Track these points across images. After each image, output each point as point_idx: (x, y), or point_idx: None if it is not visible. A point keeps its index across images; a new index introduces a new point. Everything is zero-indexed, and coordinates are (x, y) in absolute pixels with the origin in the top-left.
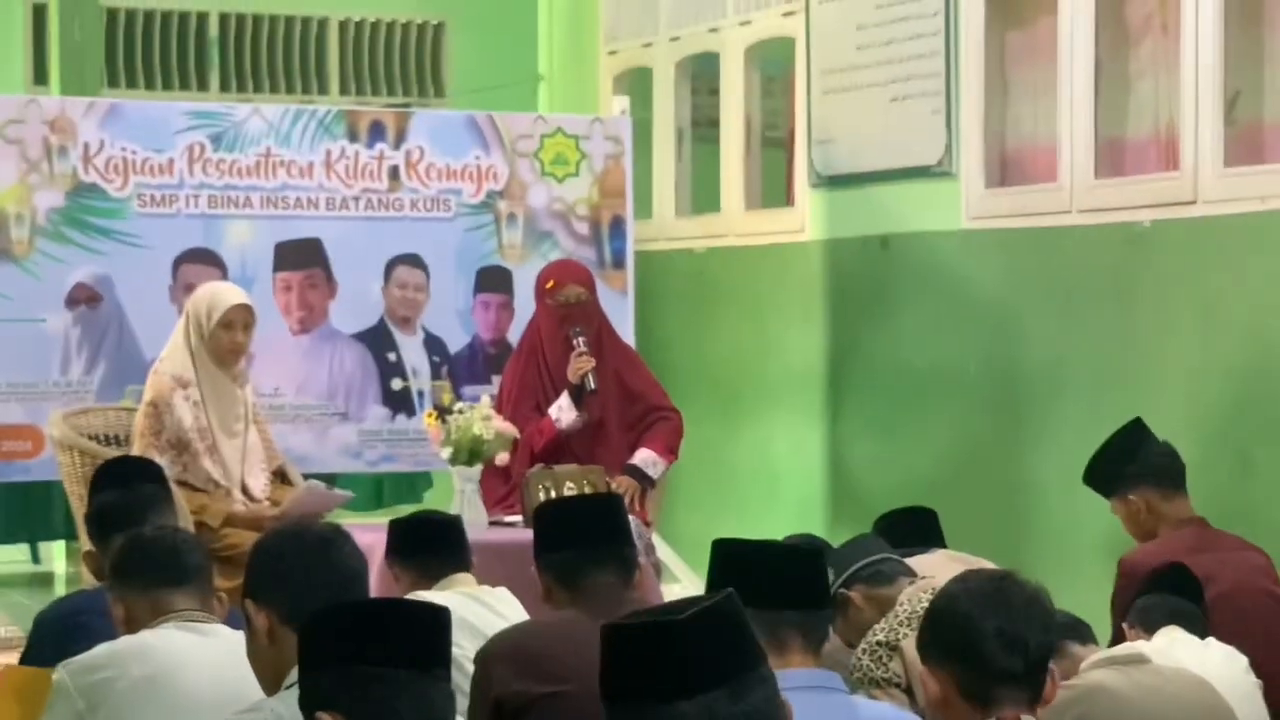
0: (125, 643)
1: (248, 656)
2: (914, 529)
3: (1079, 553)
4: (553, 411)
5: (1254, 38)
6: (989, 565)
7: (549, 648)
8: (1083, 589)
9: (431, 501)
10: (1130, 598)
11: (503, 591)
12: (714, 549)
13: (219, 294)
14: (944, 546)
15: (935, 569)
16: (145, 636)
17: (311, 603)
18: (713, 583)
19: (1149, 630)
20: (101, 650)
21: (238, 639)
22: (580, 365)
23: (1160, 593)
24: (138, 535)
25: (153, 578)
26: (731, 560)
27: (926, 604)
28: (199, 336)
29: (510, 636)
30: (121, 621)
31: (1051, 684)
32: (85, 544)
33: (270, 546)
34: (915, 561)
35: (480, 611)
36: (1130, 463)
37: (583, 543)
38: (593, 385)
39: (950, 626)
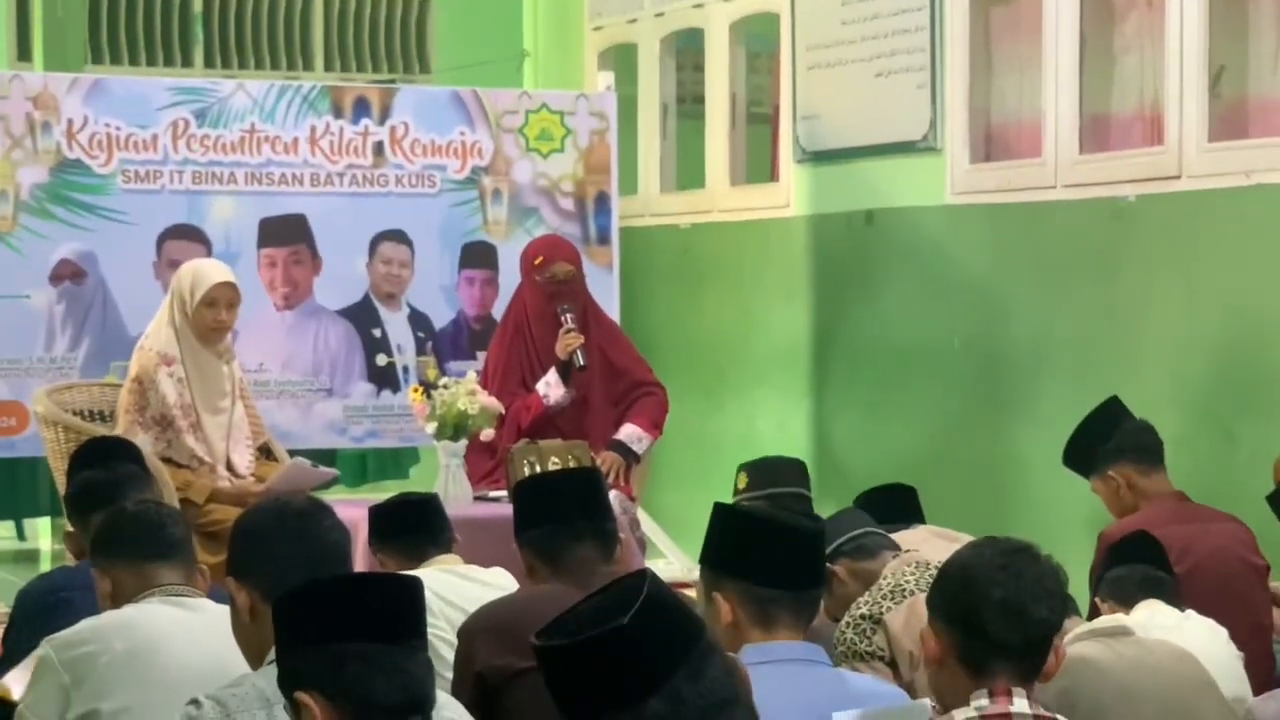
0: (108, 617)
1: (233, 632)
2: (894, 506)
3: (1062, 527)
4: (540, 387)
5: (1238, 13)
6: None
7: (531, 621)
8: (1066, 563)
9: (417, 477)
10: (1099, 572)
11: (497, 570)
12: (715, 514)
13: (202, 272)
14: (924, 523)
15: (919, 544)
16: (128, 611)
17: (292, 579)
18: (709, 548)
19: (1123, 602)
20: (85, 625)
21: (222, 613)
22: (569, 342)
23: (1128, 563)
24: (120, 509)
25: (138, 551)
26: (731, 532)
27: (910, 578)
28: (183, 314)
29: (492, 610)
30: (108, 596)
31: (1054, 659)
32: (69, 523)
33: (250, 524)
34: (898, 537)
35: (460, 585)
36: (1107, 440)
37: (562, 517)
38: (582, 362)
39: (957, 590)
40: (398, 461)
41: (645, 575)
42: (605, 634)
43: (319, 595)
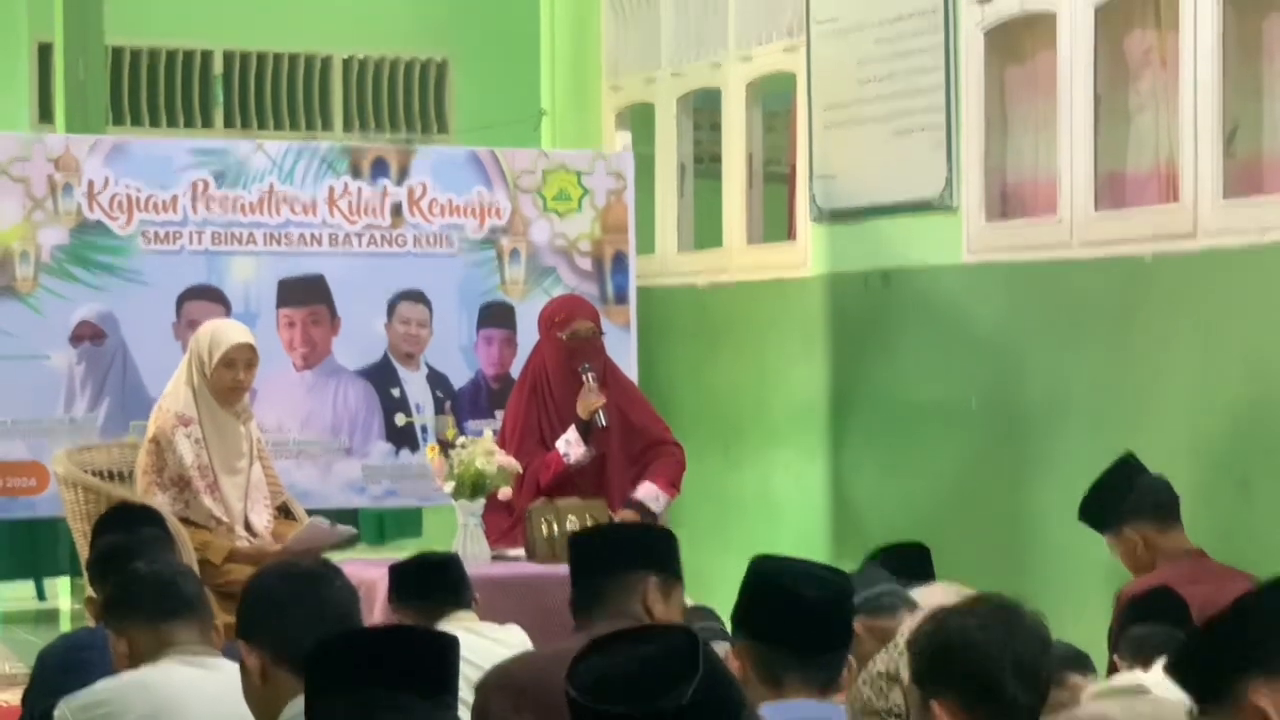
0: (126, 678)
1: (244, 694)
2: (907, 564)
3: (1080, 584)
4: (561, 446)
5: (1252, 71)
6: None
7: (549, 679)
8: (1084, 620)
9: (430, 533)
10: (1119, 627)
11: (512, 627)
12: (752, 570)
13: (221, 332)
14: (936, 581)
15: (935, 602)
16: (146, 672)
17: (302, 641)
18: (740, 604)
19: (1141, 661)
20: (103, 686)
21: (239, 672)
22: (592, 401)
23: (1148, 621)
24: (135, 569)
25: (155, 610)
26: (744, 589)
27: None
28: (201, 374)
29: (511, 668)
30: (124, 656)
31: None
32: (90, 588)
33: (259, 587)
34: (915, 594)
35: (477, 644)
36: (1123, 498)
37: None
38: (603, 421)
39: (970, 663)
40: (413, 519)
41: (696, 642)
42: (667, 713)
43: (357, 643)
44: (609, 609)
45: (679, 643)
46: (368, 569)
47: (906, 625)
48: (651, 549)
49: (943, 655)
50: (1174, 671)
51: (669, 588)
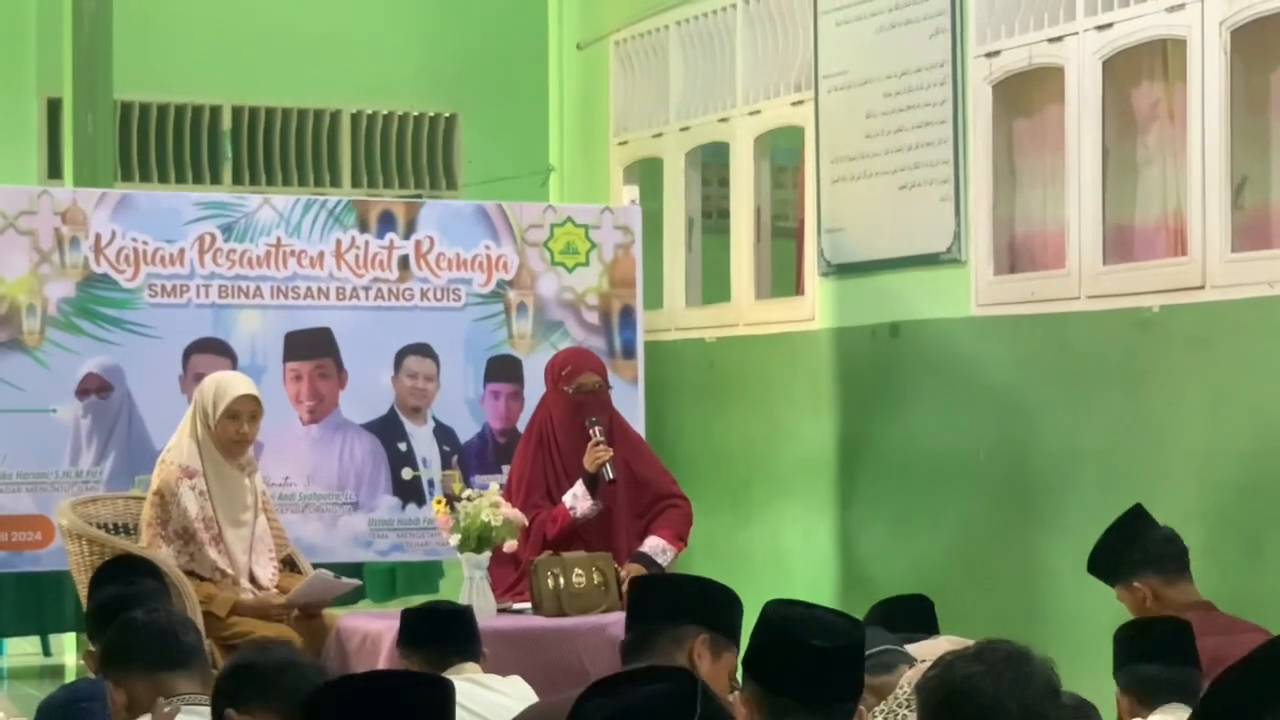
0: None
1: None
2: (910, 617)
3: (1089, 637)
4: (567, 500)
5: (1260, 124)
6: None
7: None
8: (1093, 674)
9: (446, 588)
10: (1120, 652)
11: (515, 679)
12: (762, 614)
13: (225, 384)
14: (939, 634)
15: (937, 655)
16: None
17: (287, 691)
18: (750, 649)
19: (1145, 702)
20: None
21: None
22: (599, 455)
23: (1160, 657)
24: (133, 618)
25: (154, 660)
26: (755, 633)
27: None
28: (205, 426)
29: (537, 712)
30: (123, 707)
31: None
32: (90, 641)
33: (227, 671)
34: (918, 648)
35: (480, 694)
36: (1132, 550)
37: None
38: (610, 475)
39: (976, 708)
40: (426, 574)
41: (696, 685)
42: None
43: (354, 687)
44: (654, 657)
45: (679, 686)
46: (374, 620)
47: (906, 677)
48: (709, 606)
49: (948, 701)
50: None
51: (720, 648)
